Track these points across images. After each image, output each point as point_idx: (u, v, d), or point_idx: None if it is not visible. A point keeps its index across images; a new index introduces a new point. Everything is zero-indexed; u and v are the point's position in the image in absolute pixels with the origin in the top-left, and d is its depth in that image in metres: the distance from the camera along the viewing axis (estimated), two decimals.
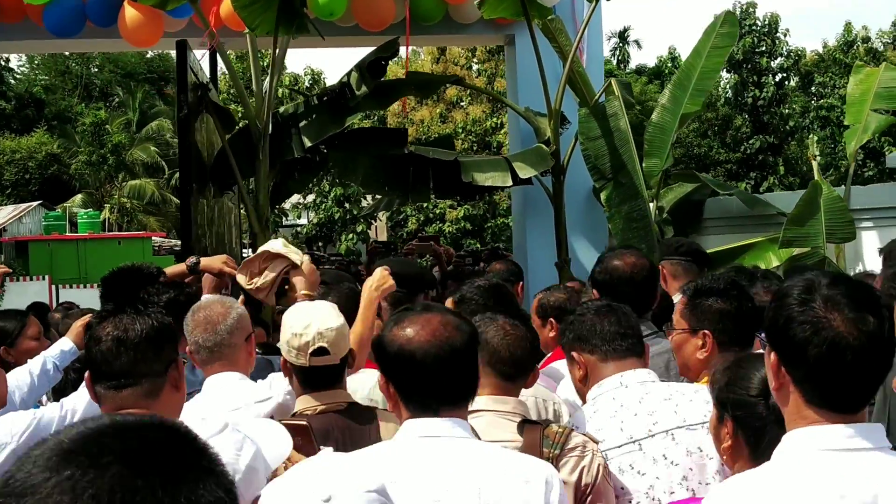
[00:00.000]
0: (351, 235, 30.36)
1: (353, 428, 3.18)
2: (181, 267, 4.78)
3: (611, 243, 9.45)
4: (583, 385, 3.19)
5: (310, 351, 3.19)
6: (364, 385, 3.81)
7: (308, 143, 8.43)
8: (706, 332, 3.25)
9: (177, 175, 33.45)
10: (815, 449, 1.94)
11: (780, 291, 2.05)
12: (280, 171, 8.84)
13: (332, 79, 40.41)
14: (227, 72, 9.37)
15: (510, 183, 8.36)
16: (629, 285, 4.03)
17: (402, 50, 8.73)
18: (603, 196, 7.93)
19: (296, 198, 31.35)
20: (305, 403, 3.24)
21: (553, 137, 8.59)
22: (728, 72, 36.21)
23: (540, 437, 2.77)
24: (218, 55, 8.98)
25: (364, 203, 31.46)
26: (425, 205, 28.74)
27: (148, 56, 40.36)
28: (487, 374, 2.90)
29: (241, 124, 9.23)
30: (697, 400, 2.97)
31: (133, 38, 8.68)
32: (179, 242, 24.67)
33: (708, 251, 6.02)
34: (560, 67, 8.65)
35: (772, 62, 35.80)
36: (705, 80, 8.35)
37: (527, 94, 9.22)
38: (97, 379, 2.72)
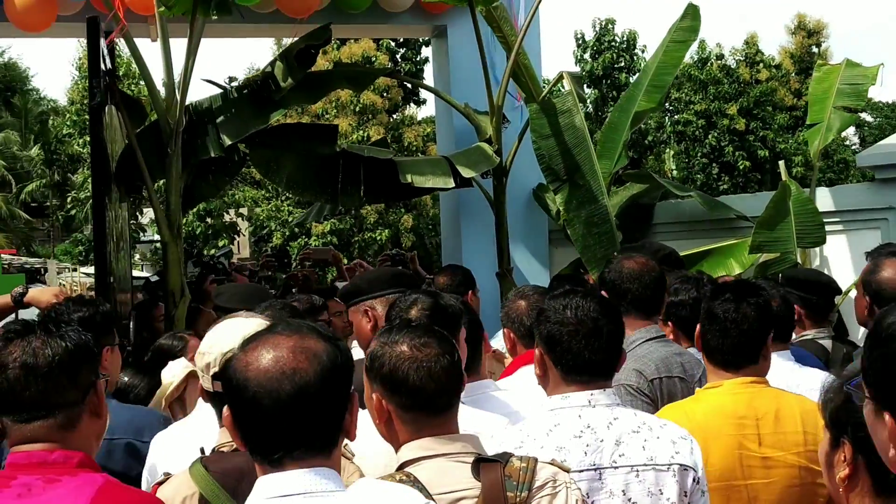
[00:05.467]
0: (213, 251, 29.03)
1: None
2: (6, 298, 4.45)
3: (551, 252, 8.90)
4: (541, 380, 2.96)
5: (212, 373, 2.72)
6: None
7: (227, 142, 7.53)
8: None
9: (27, 189, 31.56)
10: None
11: (883, 329, 1.55)
12: (192, 172, 7.87)
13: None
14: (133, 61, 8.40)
15: (452, 185, 7.68)
16: (639, 286, 3.94)
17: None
18: (559, 199, 7.32)
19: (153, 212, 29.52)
20: (224, 437, 2.67)
21: (495, 136, 7.95)
22: (588, 87, 36.36)
23: (501, 478, 2.36)
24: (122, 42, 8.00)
25: (227, 218, 30.13)
26: (289, 219, 27.95)
27: None
28: (411, 416, 2.43)
29: (151, 118, 8.22)
30: (664, 437, 2.79)
31: (21, 22, 7.64)
32: (31, 259, 23.12)
33: None
34: (501, 60, 8.04)
35: (630, 78, 36.16)
36: (663, 75, 7.84)
37: (461, 89, 8.54)
38: (4, 410, 2.36)
